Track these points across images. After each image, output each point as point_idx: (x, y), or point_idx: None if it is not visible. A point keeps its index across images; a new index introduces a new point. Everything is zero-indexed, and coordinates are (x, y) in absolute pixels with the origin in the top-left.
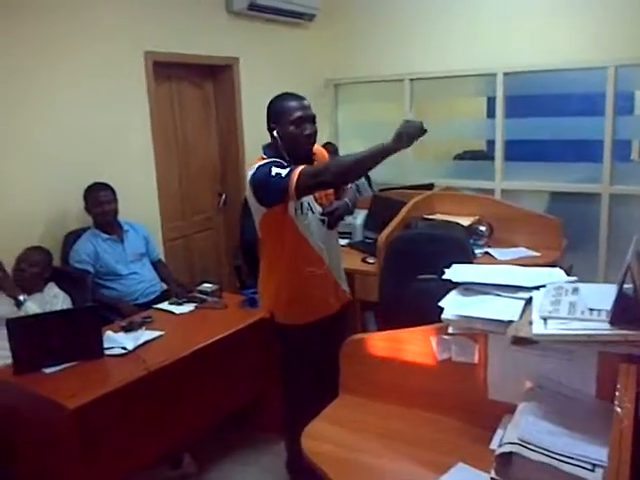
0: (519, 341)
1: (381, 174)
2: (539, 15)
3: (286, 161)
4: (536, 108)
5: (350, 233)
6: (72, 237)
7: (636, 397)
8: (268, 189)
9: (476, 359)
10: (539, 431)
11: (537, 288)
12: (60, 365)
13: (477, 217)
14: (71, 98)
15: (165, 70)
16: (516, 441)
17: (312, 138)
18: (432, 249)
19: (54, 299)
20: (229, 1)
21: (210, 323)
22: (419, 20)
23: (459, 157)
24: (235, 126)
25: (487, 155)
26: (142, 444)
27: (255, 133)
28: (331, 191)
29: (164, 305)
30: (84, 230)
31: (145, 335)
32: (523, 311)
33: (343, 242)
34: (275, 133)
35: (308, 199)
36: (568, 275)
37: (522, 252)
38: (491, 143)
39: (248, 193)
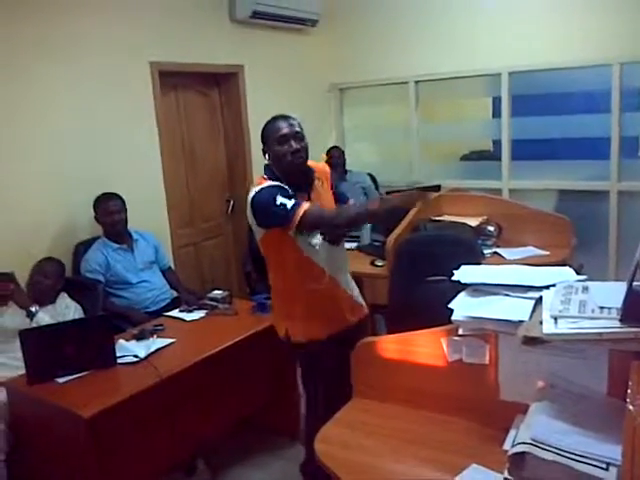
0: (530, 341)
1: (388, 176)
2: (542, 14)
3: (283, 181)
4: (542, 107)
5: (358, 236)
6: (82, 247)
7: None
8: (270, 216)
9: (487, 360)
10: (552, 430)
11: (547, 287)
12: (73, 375)
13: (485, 217)
14: (79, 110)
15: (171, 80)
16: (529, 441)
17: (300, 154)
18: (440, 251)
19: (66, 310)
20: (232, 10)
21: (221, 329)
22: (422, 22)
23: (466, 158)
24: (242, 133)
25: (494, 155)
26: (156, 451)
27: None
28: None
29: (175, 312)
30: (94, 240)
31: (156, 343)
32: (533, 311)
33: (351, 245)
34: (267, 155)
35: None
36: (578, 274)
37: (531, 251)
38: (497, 143)
39: (248, 212)
